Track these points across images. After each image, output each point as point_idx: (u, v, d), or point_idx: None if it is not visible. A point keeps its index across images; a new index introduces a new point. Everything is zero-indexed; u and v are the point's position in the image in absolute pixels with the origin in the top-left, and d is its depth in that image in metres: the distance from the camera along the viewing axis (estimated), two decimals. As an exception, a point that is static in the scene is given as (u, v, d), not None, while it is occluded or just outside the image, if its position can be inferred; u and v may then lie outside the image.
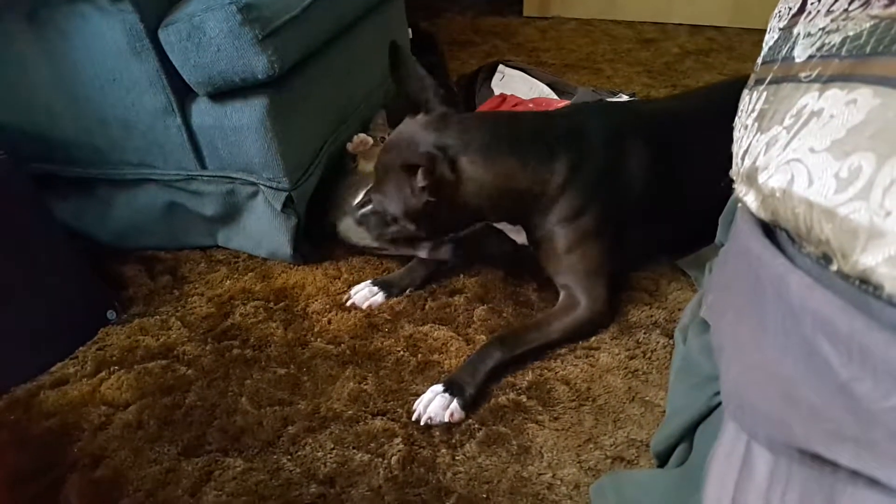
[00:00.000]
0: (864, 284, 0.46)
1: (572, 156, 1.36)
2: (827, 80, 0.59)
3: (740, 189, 0.70)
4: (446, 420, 1.18)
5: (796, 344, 0.50)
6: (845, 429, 0.44)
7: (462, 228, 1.48)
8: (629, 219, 1.44)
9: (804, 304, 0.49)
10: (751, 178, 0.65)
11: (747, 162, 0.68)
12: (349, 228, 1.62)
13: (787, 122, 0.62)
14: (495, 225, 1.48)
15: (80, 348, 1.41)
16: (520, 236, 1.49)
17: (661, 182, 1.43)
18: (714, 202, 1.11)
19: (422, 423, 1.19)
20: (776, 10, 0.83)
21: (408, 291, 1.54)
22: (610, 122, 1.45)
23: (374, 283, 1.53)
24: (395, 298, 1.52)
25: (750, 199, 0.65)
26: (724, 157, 0.94)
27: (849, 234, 0.46)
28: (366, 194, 1.54)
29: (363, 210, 1.50)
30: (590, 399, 1.23)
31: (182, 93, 1.45)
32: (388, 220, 1.43)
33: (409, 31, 2.28)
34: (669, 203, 1.47)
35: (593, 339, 1.37)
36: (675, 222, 1.50)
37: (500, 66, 2.33)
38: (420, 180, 1.29)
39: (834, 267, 0.48)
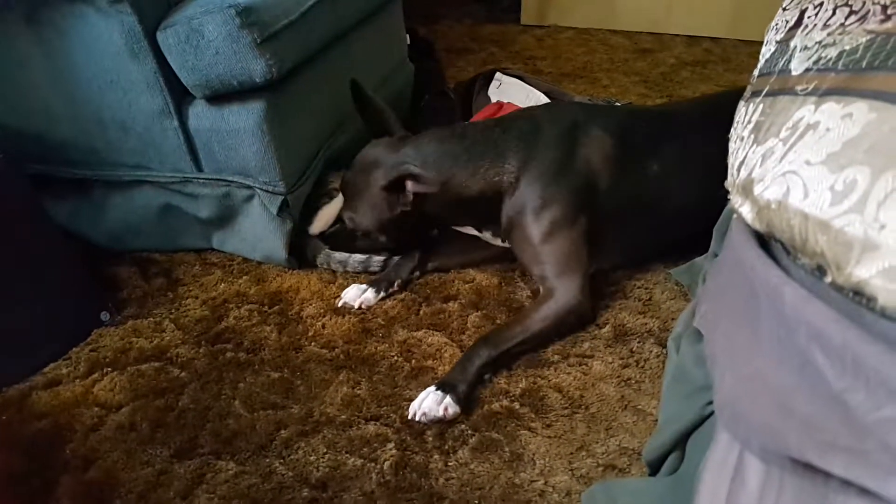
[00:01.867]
0: (858, 296, 0.46)
1: (523, 153, 1.44)
2: (823, 94, 0.60)
3: (736, 200, 0.70)
4: (440, 414, 1.19)
5: (790, 355, 0.50)
6: (838, 439, 0.45)
7: (425, 234, 1.62)
8: (603, 213, 1.46)
9: (798, 316, 0.50)
10: (746, 189, 0.66)
11: (743, 173, 0.69)
12: (329, 257, 1.64)
13: (783, 134, 0.63)
14: (458, 229, 1.58)
15: (74, 349, 1.40)
16: (491, 238, 1.56)
17: (632, 177, 1.47)
18: (701, 204, 1.13)
19: (417, 420, 1.19)
20: (773, 23, 0.84)
21: (395, 285, 1.55)
22: (561, 117, 1.51)
23: (363, 283, 1.54)
24: (389, 302, 1.52)
25: (745, 211, 0.65)
26: (713, 163, 0.95)
27: (843, 246, 0.46)
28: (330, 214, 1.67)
29: (329, 230, 1.65)
30: (582, 407, 1.23)
31: (179, 95, 1.45)
32: (358, 235, 1.57)
33: (407, 37, 2.28)
34: (647, 199, 1.49)
35: (586, 346, 1.37)
36: (656, 220, 1.53)
37: (498, 74, 2.34)
38: (409, 192, 1.42)
39: (828, 279, 0.49)
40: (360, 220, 1.52)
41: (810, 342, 0.48)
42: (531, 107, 1.82)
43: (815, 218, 0.49)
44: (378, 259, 1.62)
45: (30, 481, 1.11)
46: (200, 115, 1.47)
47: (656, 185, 1.48)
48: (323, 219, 1.68)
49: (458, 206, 1.46)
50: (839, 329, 0.45)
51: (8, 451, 1.17)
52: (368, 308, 1.51)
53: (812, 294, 0.49)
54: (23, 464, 1.14)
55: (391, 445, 1.16)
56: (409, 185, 1.41)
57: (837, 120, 0.53)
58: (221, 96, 1.43)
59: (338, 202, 1.65)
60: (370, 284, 1.53)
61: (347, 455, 1.14)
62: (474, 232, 1.56)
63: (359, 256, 1.62)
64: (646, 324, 1.43)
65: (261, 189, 1.53)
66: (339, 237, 1.63)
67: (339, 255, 1.62)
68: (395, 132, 1.54)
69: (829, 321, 0.46)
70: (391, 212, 1.47)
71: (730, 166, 0.78)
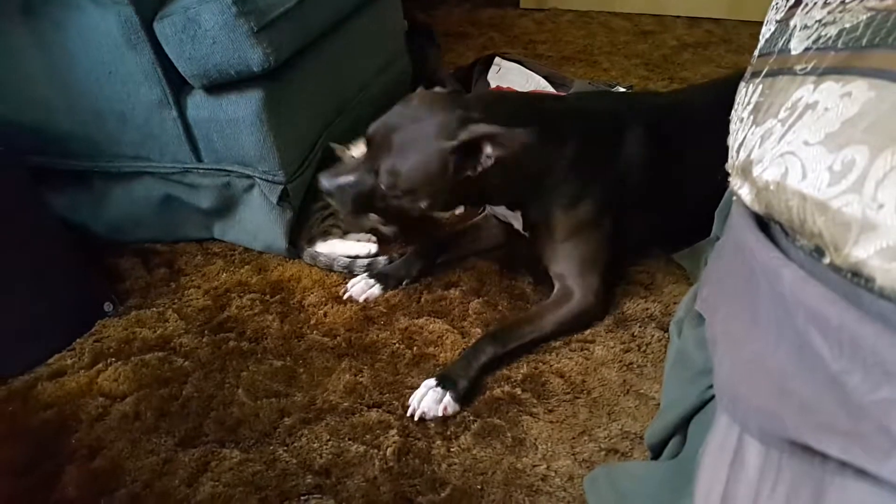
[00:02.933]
0: (856, 277, 0.46)
1: (579, 139, 1.37)
2: (822, 73, 0.59)
3: (735, 182, 0.70)
4: (440, 414, 1.19)
5: (789, 336, 0.50)
6: (835, 421, 0.44)
7: (459, 205, 1.48)
8: (625, 208, 1.44)
9: (797, 297, 0.49)
10: (745, 170, 0.65)
11: (742, 155, 0.68)
12: (315, 257, 1.60)
13: (781, 114, 0.62)
14: (492, 209, 1.48)
15: (78, 340, 1.41)
16: (517, 221, 1.49)
17: (657, 173, 1.44)
18: (710, 193, 1.12)
19: (416, 419, 1.19)
20: (773, 2, 0.83)
21: (404, 283, 1.54)
22: (615, 110, 1.46)
23: (371, 276, 1.53)
24: (391, 291, 1.51)
25: (744, 192, 0.65)
26: (721, 151, 0.95)
27: (841, 226, 0.46)
28: (345, 167, 1.39)
29: (340, 181, 1.32)
30: (584, 392, 1.24)
31: (178, 85, 1.44)
32: (381, 195, 1.30)
33: (405, 22, 2.27)
34: (665, 194, 1.47)
35: (588, 332, 1.37)
36: (670, 213, 1.51)
37: (497, 59, 2.33)
38: (489, 156, 1.23)
39: (826, 260, 0.49)
40: (406, 178, 1.26)
41: (808, 324, 0.47)
42: (582, 94, 1.78)
43: (814, 198, 0.49)
44: (362, 263, 1.58)
45: (36, 470, 1.12)
46: (199, 105, 1.46)
47: (677, 182, 1.46)
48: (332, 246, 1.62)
49: (513, 181, 1.32)
50: (837, 310, 0.45)
51: (14, 441, 1.18)
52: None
53: (810, 275, 0.49)
54: (29, 453, 1.15)
55: (393, 432, 1.16)
56: (489, 148, 1.22)
57: (836, 99, 0.53)
58: (219, 86, 1.43)
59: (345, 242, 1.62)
60: (377, 279, 1.52)
61: (350, 442, 1.15)
62: (504, 212, 1.46)
63: (344, 260, 1.57)
64: (647, 308, 1.42)
65: (260, 178, 1.53)
66: (355, 196, 1.31)
67: (325, 256, 1.59)
68: (448, 85, 1.40)
69: (827, 302, 0.46)
70: (455, 175, 1.25)
71: (730, 148, 0.78)
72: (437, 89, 1.38)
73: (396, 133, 1.26)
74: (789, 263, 0.52)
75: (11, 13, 1.38)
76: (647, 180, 1.43)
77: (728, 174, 0.78)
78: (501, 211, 1.49)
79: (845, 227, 0.45)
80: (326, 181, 1.32)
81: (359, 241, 1.63)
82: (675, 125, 1.49)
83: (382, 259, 1.59)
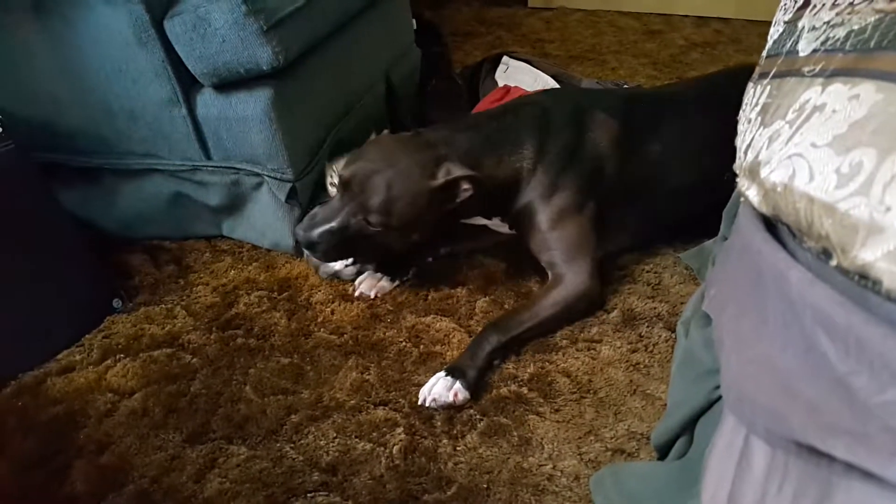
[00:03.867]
0: (863, 279, 0.46)
1: (537, 138, 1.42)
2: (830, 75, 0.59)
3: (743, 183, 0.70)
4: (450, 400, 1.19)
5: (796, 338, 0.50)
6: (841, 422, 0.45)
7: (441, 231, 1.52)
8: (610, 195, 1.46)
9: (804, 299, 0.49)
10: (753, 172, 0.65)
11: (750, 156, 0.69)
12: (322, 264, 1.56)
13: (789, 116, 0.62)
14: (467, 222, 1.52)
15: (87, 336, 1.42)
16: (498, 226, 1.53)
17: (637, 159, 1.47)
18: (704, 182, 1.12)
19: (427, 405, 1.20)
20: (782, 3, 0.83)
21: (411, 273, 1.55)
22: (570, 101, 1.50)
23: (377, 270, 1.53)
24: (398, 289, 1.52)
25: (752, 194, 0.65)
26: (713, 142, 0.95)
27: (849, 229, 0.46)
28: (322, 212, 1.38)
29: (322, 229, 1.33)
30: (591, 392, 1.24)
31: (187, 83, 1.45)
32: (369, 234, 1.35)
33: (413, 21, 2.27)
34: (652, 180, 1.49)
35: (595, 331, 1.37)
36: (661, 201, 1.52)
37: (505, 58, 2.32)
38: (465, 191, 1.34)
39: (834, 262, 0.49)
40: (399, 215, 1.32)
41: (815, 325, 0.48)
42: (536, 92, 1.81)
43: (821, 201, 0.49)
44: (349, 272, 1.55)
45: (45, 465, 1.13)
46: (208, 103, 1.47)
47: (660, 165, 1.49)
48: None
49: (484, 196, 1.38)
50: (844, 312, 0.45)
51: (24, 436, 1.19)
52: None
53: (818, 277, 0.49)
54: (38, 448, 1.16)
55: (400, 430, 1.16)
56: (465, 184, 1.33)
57: (844, 101, 0.53)
58: (229, 84, 1.43)
59: None
60: (385, 272, 1.53)
61: (357, 439, 1.15)
62: (483, 221, 1.53)
63: (351, 269, 1.55)
64: (655, 308, 1.42)
65: (269, 176, 1.54)
66: (338, 240, 1.34)
67: (329, 266, 1.55)
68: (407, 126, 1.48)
69: (834, 304, 0.46)
70: (439, 208, 1.35)
71: (738, 149, 0.78)
72: (400, 134, 1.45)
73: (378, 175, 1.31)
74: (796, 265, 0.52)
75: (23, 10, 1.38)
76: (625, 168, 1.46)
77: (735, 174, 0.78)
78: (478, 220, 1.52)
79: (852, 229, 0.45)
80: (304, 232, 1.34)
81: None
82: (649, 112, 1.53)
83: (370, 267, 1.56)
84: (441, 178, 1.32)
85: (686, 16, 3.23)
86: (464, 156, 1.37)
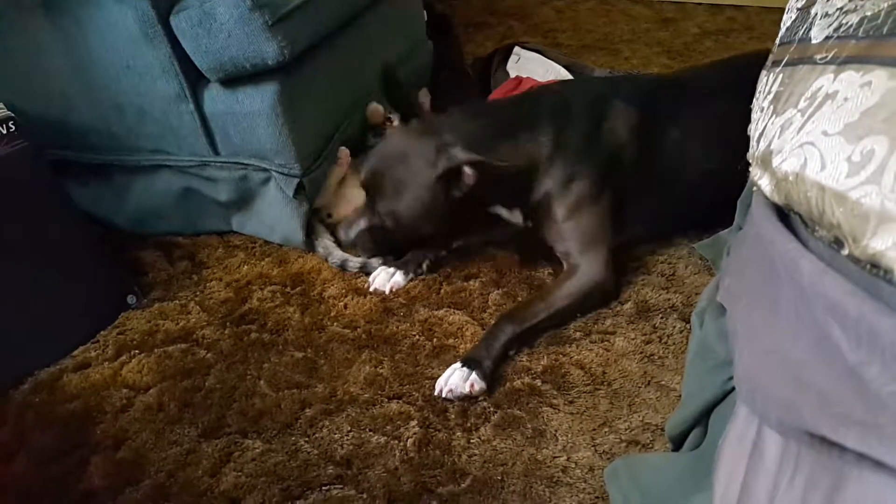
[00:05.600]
0: (875, 269, 0.45)
1: (555, 126, 1.41)
2: (842, 62, 0.58)
3: (755, 173, 0.69)
4: (467, 391, 1.19)
5: (807, 328, 0.50)
6: (852, 412, 0.44)
7: (466, 222, 1.52)
8: (627, 185, 1.45)
9: (815, 289, 0.49)
10: (765, 161, 0.65)
11: (762, 145, 0.68)
12: (328, 252, 1.60)
13: (801, 104, 0.61)
14: (491, 211, 1.51)
15: (102, 332, 1.43)
16: (516, 217, 1.51)
17: (655, 148, 1.46)
18: (722, 171, 1.11)
19: (443, 396, 1.20)
20: (795, -11, 0.82)
21: (425, 265, 1.55)
22: (589, 90, 1.50)
23: (390, 266, 1.53)
24: (411, 283, 1.52)
25: (764, 183, 0.64)
26: (731, 129, 0.94)
27: (860, 218, 0.45)
28: (355, 214, 1.51)
29: (355, 230, 1.48)
30: (605, 383, 1.23)
31: (194, 79, 1.45)
32: (392, 231, 1.45)
33: (424, 13, 2.26)
34: (669, 169, 1.48)
35: (609, 322, 1.37)
36: (678, 190, 1.51)
37: (516, 49, 2.31)
38: (469, 178, 1.34)
39: (845, 251, 0.48)
40: (405, 215, 1.40)
41: (827, 315, 0.47)
42: (554, 82, 1.80)
43: (832, 190, 0.48)
44: (354, 264, 1.56)
45: (63, 460, 1.14)
46: (215, 98, 1.47)
47: (678, 154, 1.47)
48: (345, 153, 1.65)
49: (501, 184, 1.38)
50: (855, 302, 0.44)
51: (41, 431, 1.20)
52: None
53: (829, 267, 0.49)
54: (56, 443, 1.18)
55: (414, 423, 1.17)
56: (468, 171, 1.33)
57: (856, 89, 0.52)
58: (235, 79, 1.44)
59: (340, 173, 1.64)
60: (398, 267, 1.53)
61: (371, 433, 1.15)
62: (503, 212, 1.51)
63: (357, 260, 1.56)
64: (669, 299, 1.42)
65: (277, 171, 1.54)
66: (373, 238, 1.48)
67: (336, 255, 1.58)
68: (420, 116, 1.46)
69: (846, 294, 0.45)
70: (446, 201, 1.37)
71: (751, 138, 0.77)
72: (411, 124, 1.44)
73: (385, 176, 1.40)
74: (808, 254, 0.51)
75: (34, 9, 1.40)
76: (643, 157, 1.45)
77: (748, 163, 0.77)
78: (498, 210, 1.51)
79: (863, 218, 0.45)
80: (344, 232, 1.50)
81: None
82: (663, 99, 1.51)
83: (376, 261, 1.56)
84: (440, 168, 1.33)
85: (699, 3, 3.20)
86: (475, 141, 1.36)
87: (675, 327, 1.34)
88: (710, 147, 1.46)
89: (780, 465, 0.52)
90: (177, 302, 1.50)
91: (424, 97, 1.86)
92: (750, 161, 0.75)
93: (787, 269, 0.54)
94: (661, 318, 1.37)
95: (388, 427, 1.17)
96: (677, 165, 1.48)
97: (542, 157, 1.41)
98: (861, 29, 0.59)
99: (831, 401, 0.46)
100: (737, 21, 2.98)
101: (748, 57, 1.64)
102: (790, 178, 0.55)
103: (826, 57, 0.61)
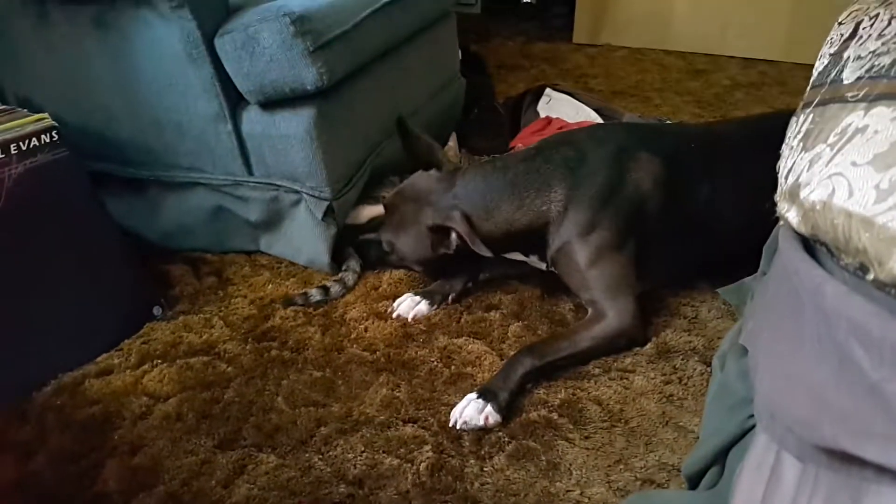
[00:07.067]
0: (899, 291, 0.46)
1: (569, 180, 1.42)
2: (874, 99, 0.59)
3: (782, 206, 0.70)
4: (482, 423, 1.19)
5: (830, 350, 0.50)
6: (873, 426, 0.44)
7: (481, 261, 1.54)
8: (652, 235, 1.45)
9: (839, 311, 0.49)
10: (793, 194, 0.65)
11: (790, 180, 0.69)
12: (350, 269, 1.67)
13: (831, 139, 0.62)
14: (507, 256, 1.54)
15: (126, 341, 1.45)
16: (535, 262, 1.54)
17: (681, 199, 1.45)
18: (749, 225, 1.11)
19: (458, 427, 1.19)
20: (828, 37, 0.83)
21: (451, 298, 1.56)
22: (606, 141, 1.49)
23: (416, 294, 1.55)
24: (437, 308, 1.54)
25: (791, 216, 0.65)
26: (760, 185, 0.94)
27: (886, 242, 0.46)
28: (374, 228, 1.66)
29: (368, 235, 1.64)
30: (622, 421, 1.22)
31: (234, 100, 1.50)
32: (392, 256, 1.61)
33: (459, 51, 2.31)
34: (696, 221, 1.48)
35: (628, 361, 1.36)
36: (704, 241, 1.50)
37: (548, 90, 2.35)
38: (454, 241, 1.45)
39: (870, 276, 0.49)
40: (399, 248, 1.55)
41: (849, 336, 0.47)
42: (571, 131, 1.82)
43: (859, 215, 0.49)
44: (312, 294, 1.58)
45: (79, 462, 1.15)
46: (253, 120, 1.51)
47: (705, 206, 1.47)
48: (362, 214, 1.71)
49: (507, 238, 1.45)
50: (879, 322, 0.45)
51: (61, 433, 1.21)
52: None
53: (853, 290, 0.49)
54: (74, 445, 1.19)
55: (428, 448, 1.16)
56: (454, 235, 1.44)
57: (887, 122, 0.53)
58: (274, 102, 1.47)
59: (378, 209, 1.68)
60: (423, 296, 1.54)
61: (384, 455, 1.15)
62: (521, 258, 1.54)
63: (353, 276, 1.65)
64: (690, 341, 1.41)
65: (307, 194, 1.57)
66: (373, 249, 1.65)
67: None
68: (444, 165, 1.53)
69: (869, 315, 0.46)
70: (433, 251, 1.49)
71: (779, 176, 0.78)
72: (432, 172, 1.53)
73: (396, 209, 1.54)
74: (832, 279, 0.52)
75: (84, 24, 1.45)
76: (669, 208, 1.44)
77: (775, 204, 0.78)
78: (515, 256, 1.54)
79: (890, 242, 0.45)
80: (381, 235, 1.61)
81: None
82: (690, 151, 1.51)
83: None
84: (432, 222, 1.45)
85: (732, 56, 3.23)
86: (479, 200, 1.44)
87: (695, 370, 1.33)
88: (738, 201, 1.45)
89: (798, 487, 0.52)
90: (201, 316, 1.52)
91: (452, 141, 1.90)
92: (777, 200, 0.76)
93: (811, 294, 0.55)
94: (682, 359, 1.36)
95: (402, 450, 1.16)
96: (704, 217, 1.48)
97: (553, 212, 1.42)
98: (893, 69, 0.60)
99: (852, 417, 0.46)
100: (768, 75, 3.01)
101: (780, 115, 1.65)
102: (817, 206, 0.56)
103: (857, 95, 0.62)
